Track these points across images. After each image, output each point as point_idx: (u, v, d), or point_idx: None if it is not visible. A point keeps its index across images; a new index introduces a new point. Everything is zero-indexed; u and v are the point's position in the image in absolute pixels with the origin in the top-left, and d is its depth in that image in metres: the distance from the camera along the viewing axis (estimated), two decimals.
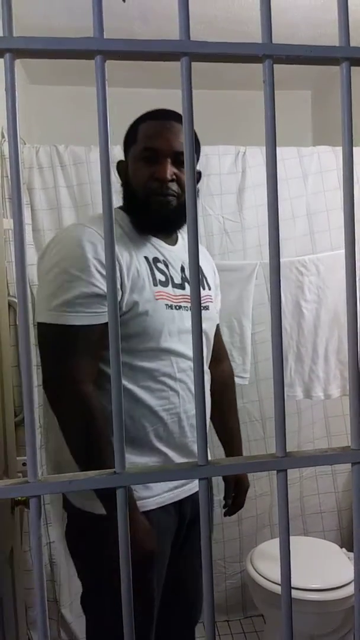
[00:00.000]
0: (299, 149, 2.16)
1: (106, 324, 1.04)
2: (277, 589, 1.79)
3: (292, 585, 0.53)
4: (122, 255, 1.23)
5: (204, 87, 2.45)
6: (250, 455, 1.11)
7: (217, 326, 1.53)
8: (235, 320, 2.05)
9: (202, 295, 1.38)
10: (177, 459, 1.30)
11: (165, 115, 1.31)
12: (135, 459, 1.23)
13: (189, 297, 1.21)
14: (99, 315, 1.17)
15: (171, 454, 1.28)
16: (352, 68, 0.49)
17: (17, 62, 0.45)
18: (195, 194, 0.48)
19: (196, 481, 1.30)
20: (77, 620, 2.01)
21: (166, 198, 1.27)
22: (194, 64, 0.46)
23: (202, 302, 1.36)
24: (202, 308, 1.33)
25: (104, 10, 0.45)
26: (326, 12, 2.16)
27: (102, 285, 1.16)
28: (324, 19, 2.21)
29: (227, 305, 2.03)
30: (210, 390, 1.48)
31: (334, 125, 2.80)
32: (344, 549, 2.03)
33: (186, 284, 1.34)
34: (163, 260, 1.32)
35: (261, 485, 2.25)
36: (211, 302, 1.45)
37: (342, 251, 2.20)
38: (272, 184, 0.48)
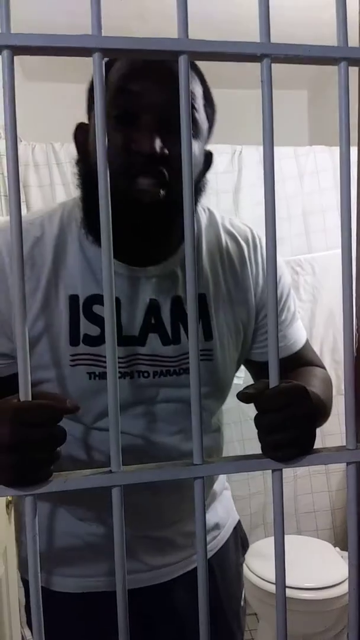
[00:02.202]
0: (295, 149, 2.17)
1: None
2: (271, 587, 1.79)
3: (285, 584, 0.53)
4: (26, 295, 0.69)
5: None
6: (245, 454, 1.11)
7: (294, 355, 1.01)
8: None
9: (179, 352, 0.86)
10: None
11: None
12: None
13: (159, 359, 0.82)
14: None
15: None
16: (349, 68, 0.49)
17: (14, 59, 0.44)
18: (193, 195, 0.48)
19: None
20: None
21: (150, 185, 0.73)
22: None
23: (178, 363, 0.86)
24: (179, 371, 0.83)
25: (102, 8, 0.45)
26: (323, 12, 2.16)
27: None
28: (320, 18, 2.21)
29: None
30: None
31: (330, 125, 2.80)
32: (337, 548, 2.04)
33: (151, 336, 0.84)
34: (116, 298, 0.74)
35: (255, 484, 2.26)
36: (209, 359, 0.89)
37: (338, 251, 2.21)
38: (269, 183, 0.48)
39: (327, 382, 1.01)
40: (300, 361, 1.01)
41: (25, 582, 0.96)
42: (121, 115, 0.74)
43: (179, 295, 0.85)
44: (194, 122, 0.78)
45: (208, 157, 0.90)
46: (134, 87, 0.74)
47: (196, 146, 0.81)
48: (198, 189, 0.85)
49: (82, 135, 0.85)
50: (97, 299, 0.82)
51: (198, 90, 0.81)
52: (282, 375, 0.54)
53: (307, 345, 1.04)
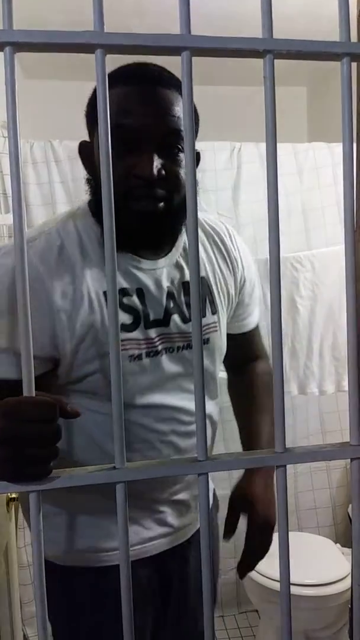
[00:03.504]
0: (294, 145, 2.16)
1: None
2: (272, 584, 1.80)
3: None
4: (67, 298, 0.90)
5: (198, 83, 2.44)
6: (247, 451, 1.11)
7: (249, 332, 1.22)
8: None
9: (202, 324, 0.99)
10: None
11: (148, 75, 0.91)
12: None
13: (180, 335, 1.01)
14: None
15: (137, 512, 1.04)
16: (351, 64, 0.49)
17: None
18: (195, 193, 0.48)
19: (183, 532, 1.10)
20: None
21: (153, 203, 0.90)
22: None
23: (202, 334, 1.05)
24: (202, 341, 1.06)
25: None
26: (322, 7, 2.16)
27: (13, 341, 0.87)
28: (320, 14, 2.21)
29: None
30: (236, 394, 1.27)
31: (330, 122, 2.80)
32: (338, 545, 2.04)
33: (174, 317, 1.00)
34: (137, 290, 0.97)
35: None
36: (215, 330, 1.07)
37: (337, 247, 2.21)
38: (272, 178, 0.48)
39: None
40: (254, 339, 1.25)
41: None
42: (122, 141, 0.86)
43: (186, 280, 1.03)
44: (179, 135, 0.91)
45: (197, 157, 1.00)
46: (130, 123, 0.87)
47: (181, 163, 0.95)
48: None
49: (87, 152, 1.00)
50: (122, 291, 0.96)
51: (177, 105, 0.92)
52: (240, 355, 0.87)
53: (258, 326, 1.26)
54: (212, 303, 1.07)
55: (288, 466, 0.52)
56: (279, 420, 0.50)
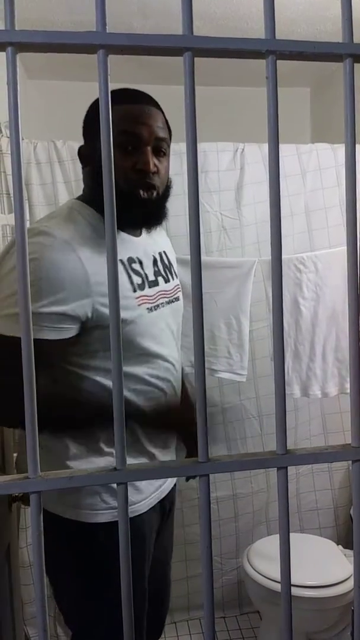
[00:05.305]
0: (297, 146, 2.16)
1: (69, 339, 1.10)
2: (274, 585, 1.79)
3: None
4: (95, 263, 1.10)
5: (201, 84, 2.44)
6: (248, 452, 1.11)
7: None
8: (233, 317, 2.05)
9: (172, 286, 1.35)
10: (161, 457, 1.28)
11: (142, 98, 1.20)
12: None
13: (164, 292, 1.31)
14: (63, 330, 1.08)
15: (157, 453, 1.27)
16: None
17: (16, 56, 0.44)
18: (197, 191, 0.48)
19: (174, 477, 1.33)
20: None
21: (149, 191, 1.17)
22: None
23: (173, 294, 1.34)
24: (174, 300, 1.35)
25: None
26: (325, 9, 2.15)
27: (65, 305, 1.07)
28: (322, 15, 2.21)
29: (225, 302, 2.02)
30: None
31: (333, 123, 2.79)
32: (340, 546, 2.03)
33: (159, 279, 1.29)
34: (137, 258, 1.24)
35: (258, 482, 2.26)
36: (180, 291, 1.39)
37: (341, 249, 2.20)
38: (274, 179, 0.48)
39: None
40: None
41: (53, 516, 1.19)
42: (125, 144, 1.14)
43: (161, 250, 1.36)
44: (165, 141, 1.20)
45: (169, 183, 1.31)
46: (136, 130, 1.15)
47: (166, 162, 1.24)
48: (168, 187, 1.26)
49: (89, 154, 1.21)
50: (131, 259, 1.22)
51: (162, 118, 1.21)
52: None
53: None
54: (174, 270, 1.40)
55: (290, 467, 0.52)
56: (280, 421, 0.50)
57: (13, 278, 1.05)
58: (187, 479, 1.50)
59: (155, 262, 1.30)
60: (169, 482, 1.36)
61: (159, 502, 1.31)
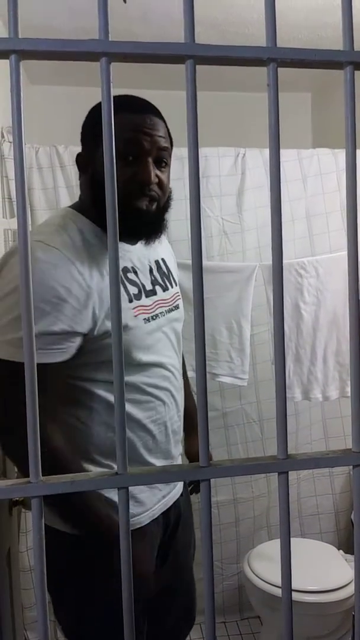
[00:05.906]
0: (298, 151, 2.17)
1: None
2: (274, 590, 1.79)
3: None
4: (92, 275, 1.09)
5: (203, 89, 2.45)
6: (249, 457, 1.11)
7: None
8: (235, 321, 2.05)
9: (171, 294, 1.33)
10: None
11: (144, 107, 1.17)
12: None
13: (163, 301, 1.29)
14: (63, 352, 1.07)
15: (156, 462, 1.25)
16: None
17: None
18: (199, 196, 0.48)
19: (179, 488, 1.35)
20: None
21: (149, 202, 1.15)
22: None
23: (172, 302, 1.32)
24: (173, 308, 1.33)
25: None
26: (326, 15, 2.16)
27: (69, 322, 1.06)
28: (323, 21, 2.21)
29: (226, 306, 2.03)
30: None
31: (334, 128, 2.80)
32: (341, 551, 2.03)
33: (157, 287, 1.27)
34: (132, 268, 1.22)
35: (259, 486, 2.25)
36: (180, 299, 1.37)
37: (342, 253, 2.21)
38: (275, 184, 0.48)
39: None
40: None
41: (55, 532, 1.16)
42: (126, 154, 1.11)
43: (157, 258, 1.33)
44: (167, 151, 1.18)
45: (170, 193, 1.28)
46: (137, 141, 1.12)
47: (167, 173, 1.21)
48: (169, 198, 1.24)
49: (88, 162, 1.17)
50: (126, 269, 1.21)
51: (164, 128, 1.18)
52: None
53: None
54: (173, 278, 1.37)
55: (291, 472, 0.52)
56: (280, 426, 0.50)
57: (13, 301, 1.03)
58: (192, 492, 1.48)
59: (151, 270, 1.28)
60: (173, 494, 1.33)
61: (162, 514, 1.29)
